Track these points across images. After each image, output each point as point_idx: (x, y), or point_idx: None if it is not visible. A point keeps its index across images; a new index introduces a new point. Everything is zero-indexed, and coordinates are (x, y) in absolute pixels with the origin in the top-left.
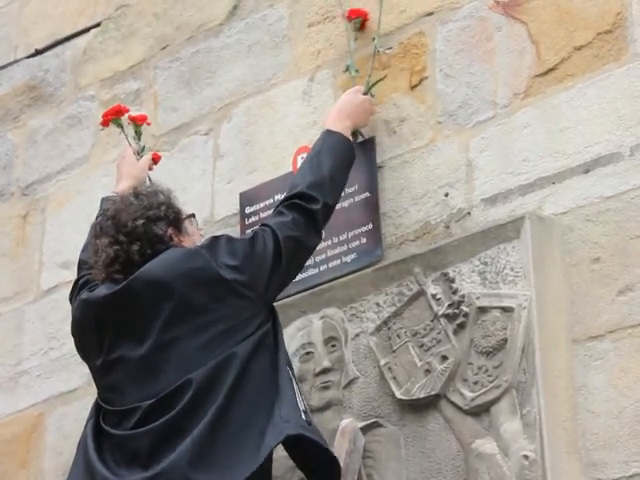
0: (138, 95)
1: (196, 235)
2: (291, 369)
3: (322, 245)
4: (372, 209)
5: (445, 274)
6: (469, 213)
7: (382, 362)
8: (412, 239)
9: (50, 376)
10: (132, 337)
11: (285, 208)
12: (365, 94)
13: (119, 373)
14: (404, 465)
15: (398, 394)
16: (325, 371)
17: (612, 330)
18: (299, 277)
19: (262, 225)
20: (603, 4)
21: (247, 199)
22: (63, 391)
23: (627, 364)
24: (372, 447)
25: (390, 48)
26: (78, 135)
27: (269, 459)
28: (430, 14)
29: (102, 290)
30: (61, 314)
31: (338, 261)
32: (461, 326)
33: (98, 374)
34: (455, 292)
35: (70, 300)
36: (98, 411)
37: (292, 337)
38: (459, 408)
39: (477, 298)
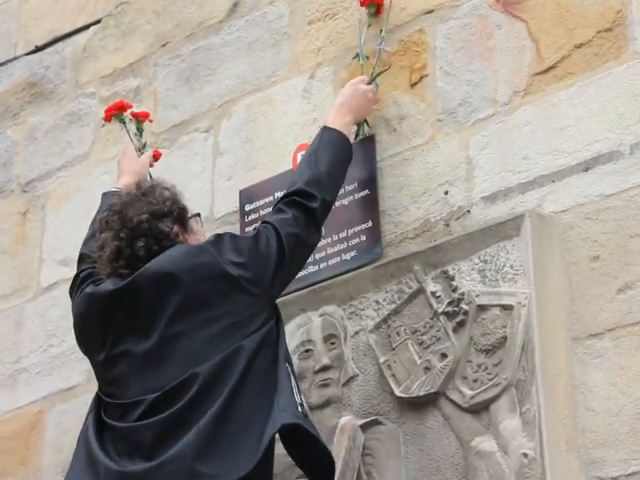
0: (138, 92)
1: (201, 234)
2: (290, 365)
3: (322, 243)
4: (372, 207)
5: (445, 272)
6: (469, 211)
7: (381, 360)
8: (412, 237)
9: (49, 373)
10: (137, 331)
11: (285, 205)
12: (369, 84)
13: (123, 366)
14: (403, 463)
15: (397, 392)
16: (324, 369)
17: (612, 328)
18: (299, 274)
19: (263, 222)
20: (603, 2)
21: (247, 196)
22: (62, 388)
23: (627, 362)
24: (371, 445)
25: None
26: (78, 132)
27: (270, 450)
28: (430, 12)
29: (108, 285)
30: (61, 311)
31: (338, 259)
32: (461, 324)
33: (101, 368)
34: (455, 290)
35: (70, 294)
36: (99, 404)
37: (292, 334)
38: (458, 406)
39: (477, 296)
